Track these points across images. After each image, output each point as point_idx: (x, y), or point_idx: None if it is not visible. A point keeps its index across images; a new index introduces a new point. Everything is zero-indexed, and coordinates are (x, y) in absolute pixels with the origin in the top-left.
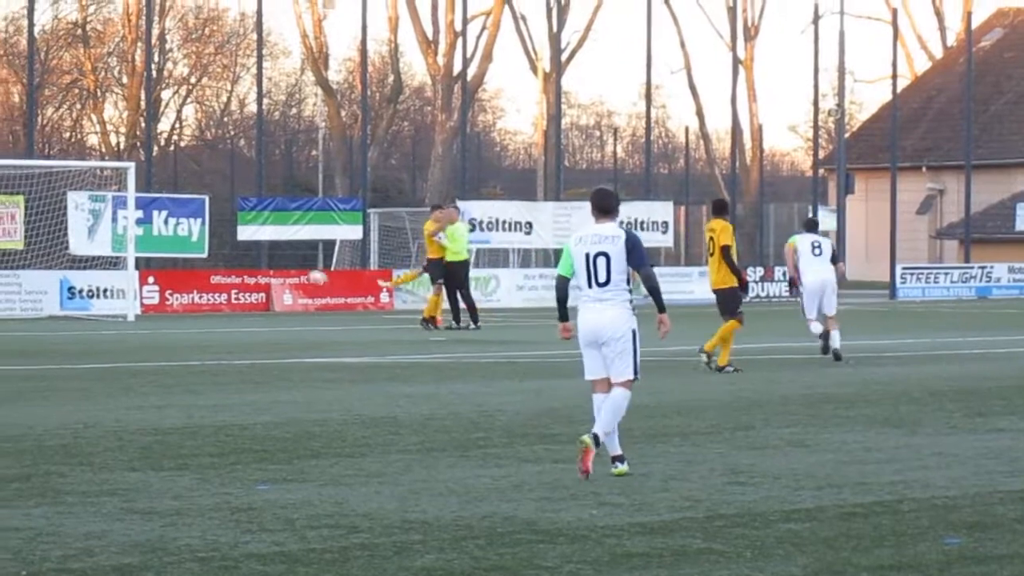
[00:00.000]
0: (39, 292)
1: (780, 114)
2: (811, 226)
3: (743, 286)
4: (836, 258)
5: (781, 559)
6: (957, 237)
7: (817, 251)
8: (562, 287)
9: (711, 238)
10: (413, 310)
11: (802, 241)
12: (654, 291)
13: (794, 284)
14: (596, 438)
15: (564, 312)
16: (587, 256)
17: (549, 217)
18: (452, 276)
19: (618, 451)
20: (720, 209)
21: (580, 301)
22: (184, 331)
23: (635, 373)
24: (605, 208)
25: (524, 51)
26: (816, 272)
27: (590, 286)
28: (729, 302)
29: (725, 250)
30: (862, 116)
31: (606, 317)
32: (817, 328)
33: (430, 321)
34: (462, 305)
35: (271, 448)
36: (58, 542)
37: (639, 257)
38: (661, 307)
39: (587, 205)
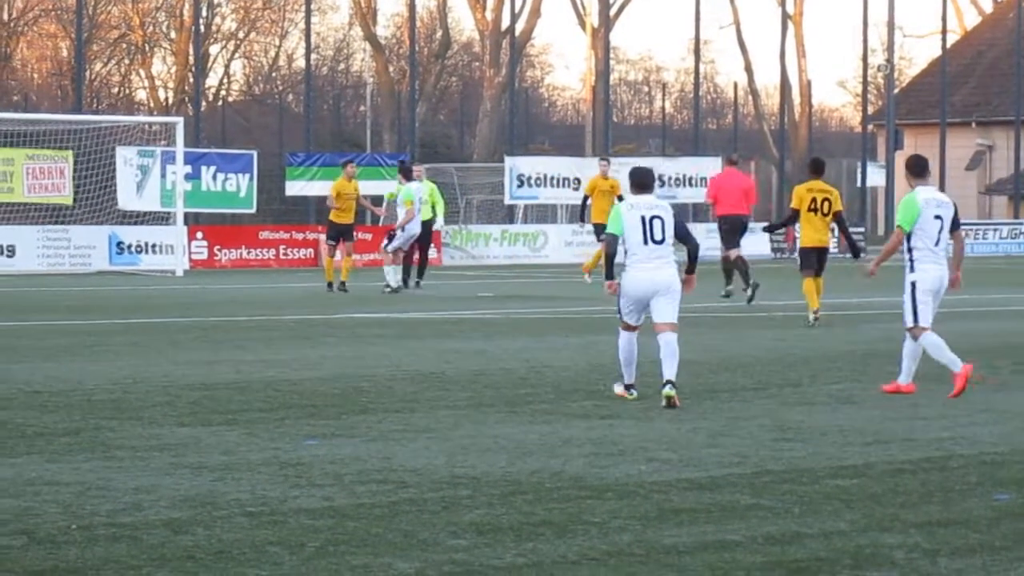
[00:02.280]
0: (88, 247)
1: (829, 70)
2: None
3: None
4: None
5: (829, 515)
6: (1007, 193)
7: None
8: (615, 244)
9: (826, 199)
10: (462, 266)
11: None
12: (694, 257)
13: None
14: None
15: (612, 271)
16: (643, 219)
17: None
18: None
19: (671, 376)
20: (822, 169)
21: (630, 261)
22: (232, 286)
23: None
24: (645, 183)
25: (572, 6)
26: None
27: (646, 243)
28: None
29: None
30: (911, 72)
31: (662, 275)
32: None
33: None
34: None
35: (320, 403)
36: (108, 496)
37: (684, 230)
38: (692, 269)
39: (636, 160)
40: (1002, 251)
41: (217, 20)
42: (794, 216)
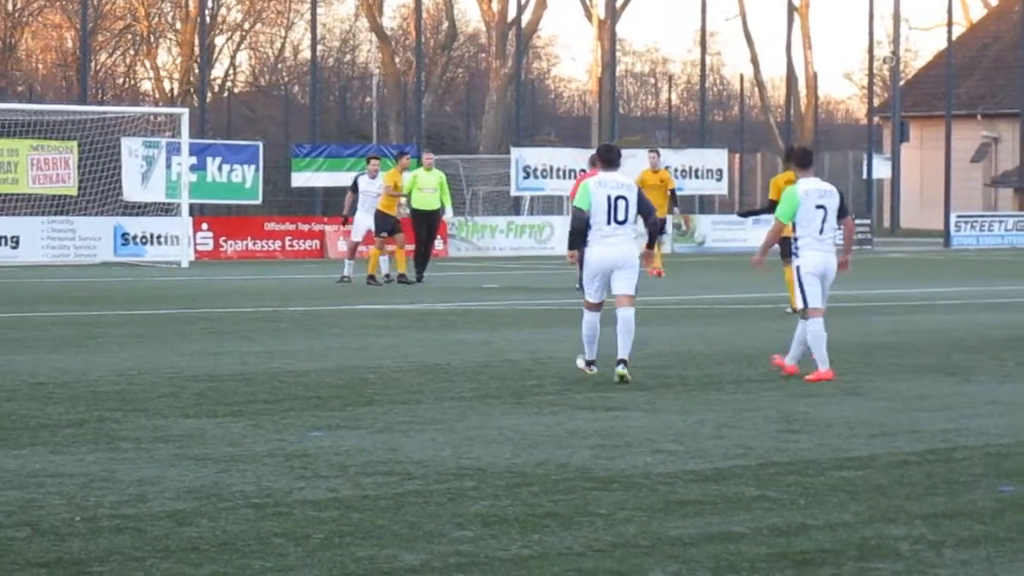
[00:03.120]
0: (93, 238)
1: (835, 62)
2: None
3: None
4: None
5: (834, 506)
6: (1012, 185)
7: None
8: (583, 218)
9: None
10: (468, 257)
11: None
12: (654, 234)
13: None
14: (624, 363)
15: (578, 242)
16: (609, 198)
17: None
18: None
19: (625, 355)
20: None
21: (593, 236)
22: (238, 277)
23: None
24: (611, 160)
25: None
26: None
27: (609, 223)
28: None
29: None
30: (917, 64)
31: (620, 250)
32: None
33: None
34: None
35: (325, 395)
36: (112, 488)
37: (648, 206)
38: (651, 244)
39: (641, 153)
40: (1008, 243)
41: (223, 11)
42: (771, 206)
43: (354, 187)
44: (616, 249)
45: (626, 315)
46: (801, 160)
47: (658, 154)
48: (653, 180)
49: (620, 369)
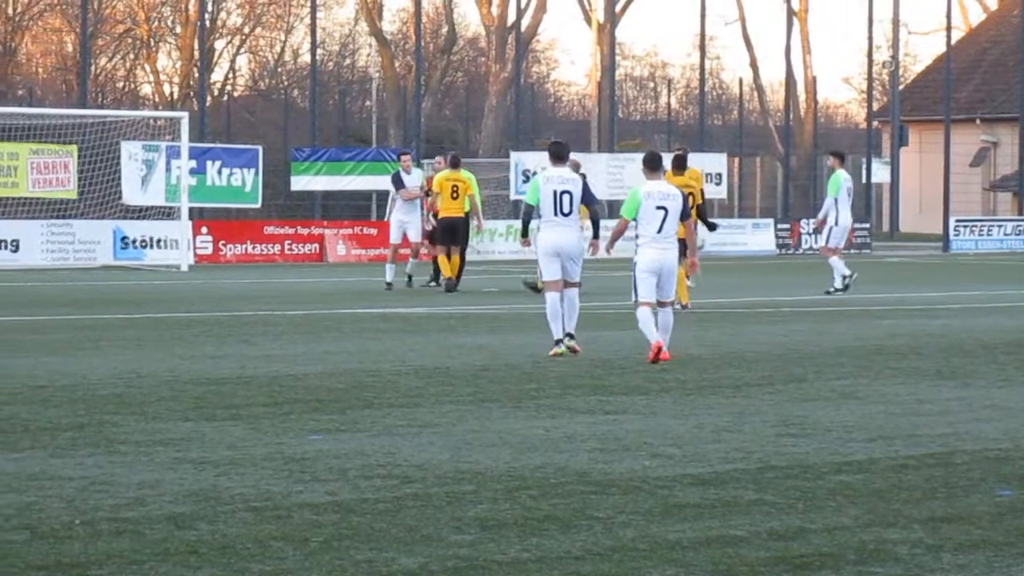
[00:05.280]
0: (92, 242)
1: (834, 66)
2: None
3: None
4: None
5: (832, 511)
6: (1011, 189)
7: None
8: (530, 213)
9: (690, 194)
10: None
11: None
12: (596, 223)
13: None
14: (571, 335)
15: (527, 230)
16: (555, 192)
17: (603, 168)
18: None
19: (571, 330)
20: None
21: (543, 224)
22: (237, 281)
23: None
24: (559, 155)
25: (578, 2)
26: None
27: (555, 215)
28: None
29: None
30: (916, 68)
31: (569, 237)
32: None
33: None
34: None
35: (324, 398)
36: (111, 491)
37: (590, 196)
38: (596, 235)
39: (639, 156)
40: (1007, 247)
41: (222, 15)
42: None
43: (400, 182)
44: (564, 236)
45: (571, 294)
46: (651, 164)
47: (685, 150)
48: (677, 183)
49: (568, 341)
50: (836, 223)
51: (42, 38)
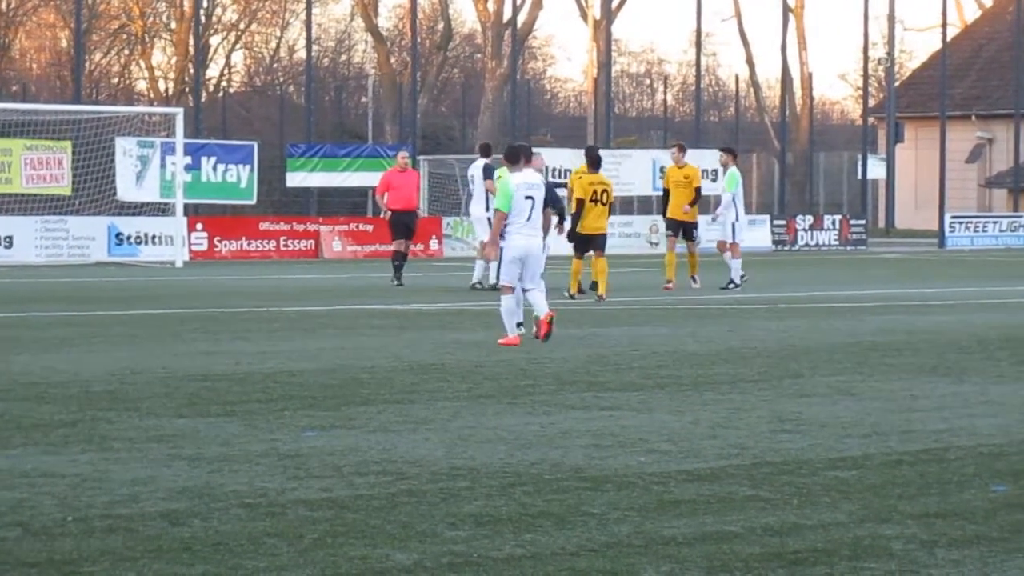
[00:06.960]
0: (87, 238)
1: (830, 62)
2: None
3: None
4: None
5: (827, 506)
6: (1006, 186)
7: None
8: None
9: (604, 191)
10: (462, 257)
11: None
12: (562, 216)
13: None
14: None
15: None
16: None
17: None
18: None
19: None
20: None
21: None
22: (232, 278)
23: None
24: (514, 159)
25: None
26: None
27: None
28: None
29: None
30: (912, 65)
31: (537, 243)
32: None
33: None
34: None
35: (319, 395)
36: (104, 488)
37: (554, 199)
38: (561, 220)
39: (635, 153)
40: (1002, 244)
41: (218, 11)
42: (579, 206)
43: (490, 174)
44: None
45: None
46: (511, 157)
47: (682, 149)
48: (677, 176)
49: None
50: (737, 219)
51: (36, 34)
